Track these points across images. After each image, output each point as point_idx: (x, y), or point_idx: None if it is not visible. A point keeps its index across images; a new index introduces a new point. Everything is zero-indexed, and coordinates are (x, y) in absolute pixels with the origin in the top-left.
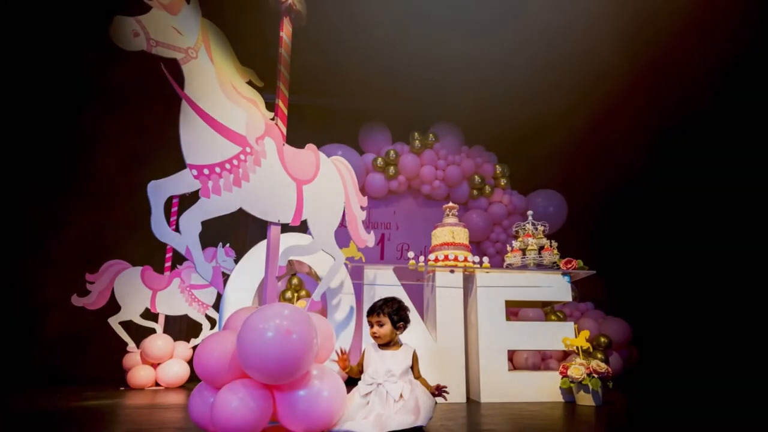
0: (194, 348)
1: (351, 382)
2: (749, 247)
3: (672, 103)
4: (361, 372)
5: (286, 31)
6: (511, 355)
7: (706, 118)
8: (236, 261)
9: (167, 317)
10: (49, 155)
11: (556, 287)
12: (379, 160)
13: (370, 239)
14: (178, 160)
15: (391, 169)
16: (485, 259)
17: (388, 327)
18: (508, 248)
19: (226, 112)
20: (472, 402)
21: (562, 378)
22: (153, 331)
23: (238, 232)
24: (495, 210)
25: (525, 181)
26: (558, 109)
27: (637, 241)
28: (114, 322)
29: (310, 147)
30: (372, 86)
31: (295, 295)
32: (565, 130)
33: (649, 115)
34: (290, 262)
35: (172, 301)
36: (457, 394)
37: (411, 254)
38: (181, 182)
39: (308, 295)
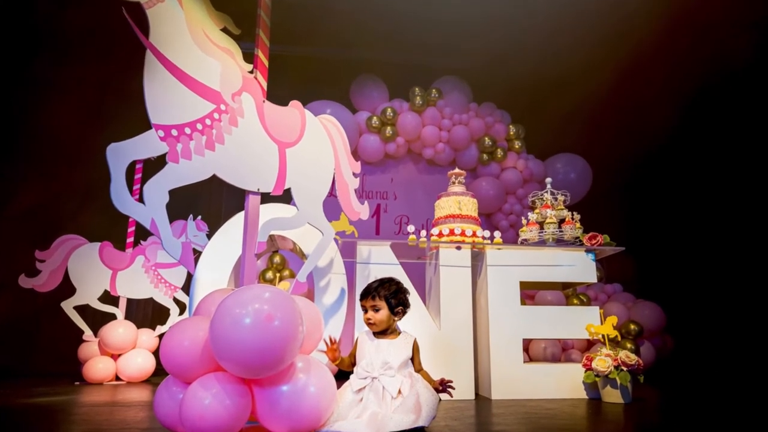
0: (160, 336)
1: (342, 375)
2: None
3: (710, 58)
4: (354, 364)
5: None
6: (527, 345)
7: (749, 75)
8: (209, 236)
9: (129, 301)
10: None
11: (579, 266)
12: (375, 119)
13: (363, 211)
14: (142, 119)
15: (388, 129)
16: (497, 233)
17: (384, 312)
18: (524, 221)
19: (197, 64)
20: (481, 399)
21: (585, 371)
22: (113, 317)
23: (211, 202)
24: (508, 177)
25: (543, 144)
26: (582, 62)
27: (673, 214)
28: (68, 306)
29: (295, 104)
30: (366, 33)
31: (277, 275)
32: (590, 86)
33: (684, 70)
34: (271, 238)
35: (135, 282)
36: (464, 390)
37: (411, 228)
38: (145, 145)
39: (292, 276)
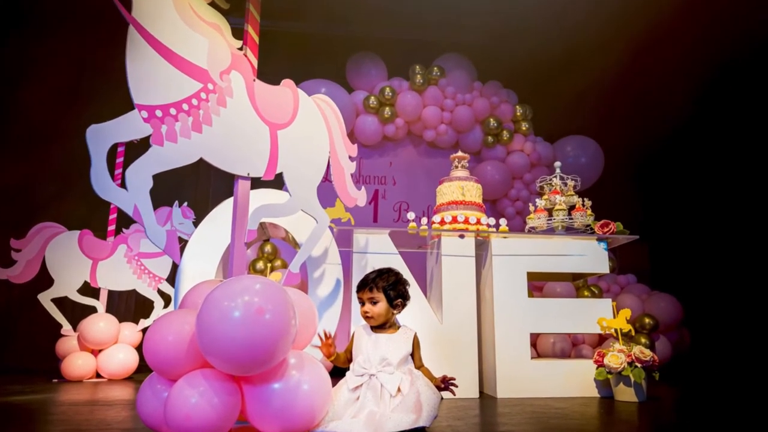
0: (144, 331)
1: (337, 372)
2: None
3: (731, 33)
4: (350, 360)
5: None
6: (535, 339)
7: None
8: (196, 224)
9: (111, 293)
10: None
11: (590, 256)
12: (372, 99)
13: (360, 197)
14: (124, 99)
15: (387, 110)
16: (502, 221)
17: (382, 305)
18: (531, 208)
19: (183, 41)
20: (486, 397)
21: (597, 368)
22: (93, 309)
23: (198, 188)
24: (515, 161)
25: (551, 126)
26: (594, 37)
27: (691, 200)
28: (45, 298)
29: (287, 83)
30: (363, 7)
31: (269, 265)
32: (602, 63)
33: (704, 46)
34: (262, 225)
35: (116, 273)
36: (467, 388)
37: (411, 215)
38: (127, 127)
39: (285, 266)
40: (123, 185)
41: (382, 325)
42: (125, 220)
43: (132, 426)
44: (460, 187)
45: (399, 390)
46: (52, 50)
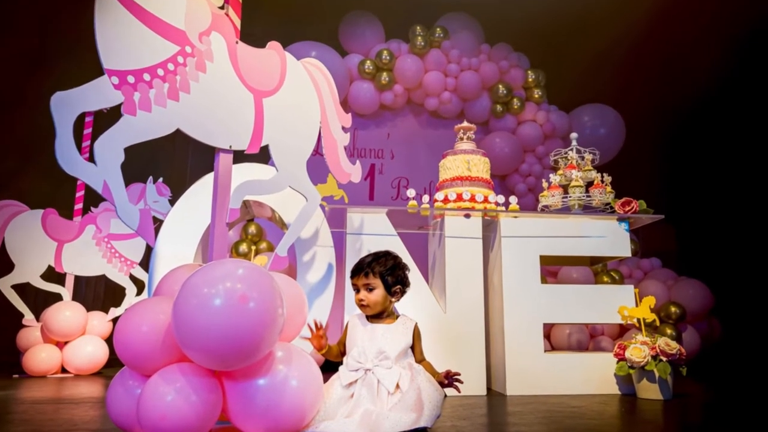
0: (115, 321)
1: (329, 367)
2: None
3: None
4: (343, 353)
5: None
6: (548, 330)
7: None
8: (172, 202)
9: (78, 279)
10: None
11: (610, 238)
12: (368, 63)
13: (355, 172)
14: (92, 63)
15: (384, 75)
16: (513, 199)
17: (379, 292)
18: (545, 184)
19: None
20: (494, 394)
21: (618, 362)
22: (59, 297)
23: (174, 162)
24: (526, 132)
25: (567, 93)
26: None
27: (721, 176)
28: (5, 285)
29: (274, 46)
30: None
31: (253, 248)
32: (623, 24)
33: (735, 6)
34: (246, 204)
35: (84, 256)
36: (474, 384)
37: (411, 193)
38: (96, 94)
39: (271, 249)
40: (91, 159)
41: (379, 315)
42: (94, 198)
43: (101, 426)
44: (465, 162)
45: (398, 386)
46: (12, 8)
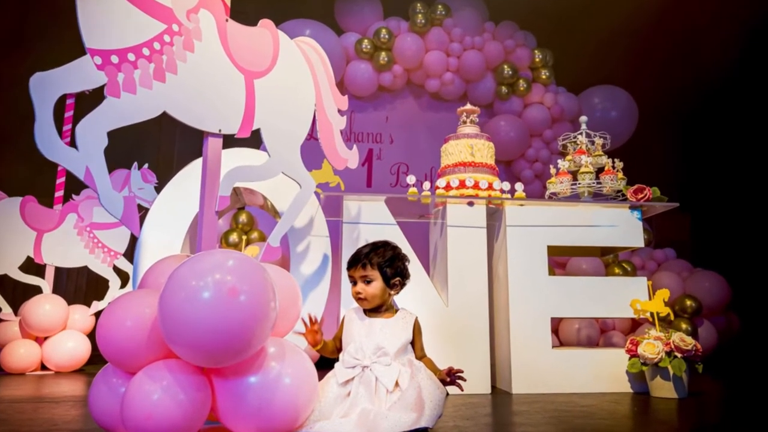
0: (97, 315)
1: (325, 364)
2: None
3: None
4: (340, 349)
5: None
6: (557, 325)
7: None
8: (158, 189)
9: (59, 271)
10: None
11: (622, 227)
12: (366, 42)
13: (352, 157)
14: (74, 42)
15: (383, 55)
16: (519, 186)
17: (377, 285)
18: (552, 170)
19: None
20: (499, 393)
21: (630, 358)
22: (38, 290)
23: (160, 147)
24: (533, 115)
25: (576, 74)
26: None
27: (739, 162)
28: None
29: (266, 24)
30: None
31: (244, 238)
32: (635, 2)
33: None
34: (236, 191)
35: (65, 247)
36: (478, 382)
37: (411, 179)
38: (78, 75)
39: (263, 239)
40: (72, 144)
41: (377, 308)
42: (75, 185)
43: (83, 426)
44: (468, 146)
45: (397, 384)
46: None
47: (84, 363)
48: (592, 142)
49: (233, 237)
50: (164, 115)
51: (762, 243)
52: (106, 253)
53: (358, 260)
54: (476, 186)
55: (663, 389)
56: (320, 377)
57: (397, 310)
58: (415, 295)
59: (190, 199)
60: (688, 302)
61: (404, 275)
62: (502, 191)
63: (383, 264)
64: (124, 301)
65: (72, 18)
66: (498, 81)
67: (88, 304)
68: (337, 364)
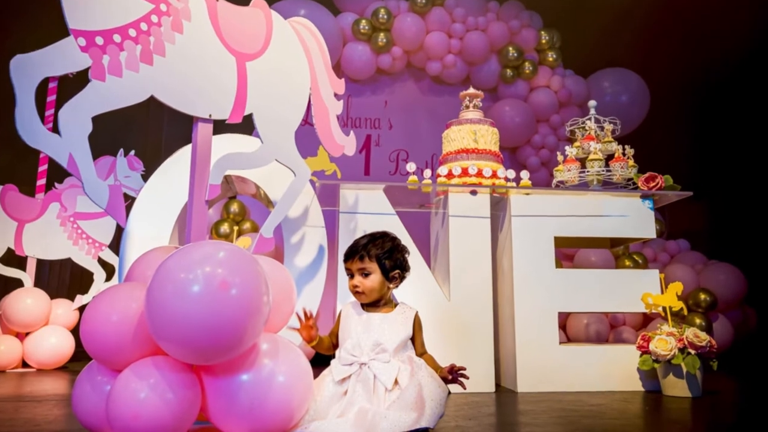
0: (81, 310)
1: (320, 361)
2: None
3: None
4: (336, 346)
5: None
6: (564, 320)
7: None
8: (145, 177)
9: (41, 263)
10: None
11: (633, 217)
12: (363, 23)
13: (348, 144)
14: (57, 23)
15: (382, 36)
16: (524, 173)
17: (376, 278)
18: (560, 158)
19: None
20: (503, 391)
21: (641, 355)
22: (19, 283)
23: (148, 133)
24: (539, 99)
25: (585, 56)
26: None
27: (757, 148)
28: None
29: (259, 4)
30: None
31: (235, 228)
32: None
33: None
34: (227, 179)
35: (47, 238)
36: (481, 380)
37: (411, 167)
38: (61, 57)
39: (255, 230)
40: (55, 130)
41: (376, 303)
42: (58, 173)
43: (66, 427)
44: (471, 132)
45: (396, 382)
46: None
47: (67, 360)
48: (602, 128)
49: (224, 227)
50: (152, 99)
51: None
52: (90, 244)
53: (355, 252)
54: (480, 174)
55: (676, 388)
56: (315, 375)
57: (396, 305)
58: (415, 289)
59: (178, 188)
60: (703, 296)
61: (404, 268)
62: (507, 179)
63: (382, 256)
64: (109, 295)
65: None
66: (502, 63)
67: (72, 298)
68: (333, 361)
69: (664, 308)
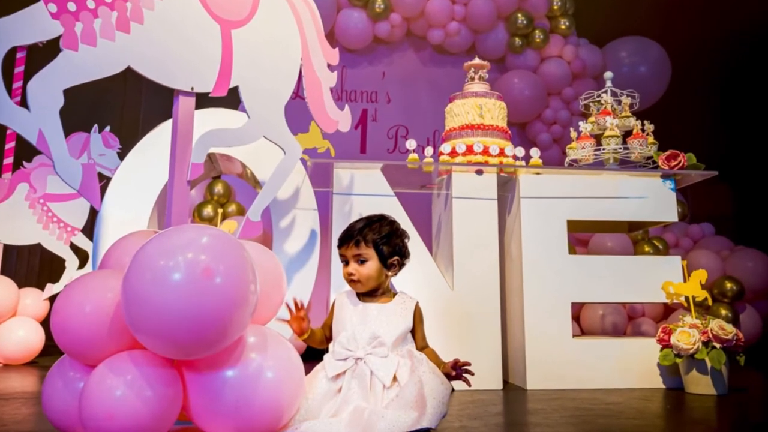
0: (52, 299)
1: (313, 355)
2: None
3: None
4: (330, 339)
5: None
6: (578, 311)
7: None
8: (121, 156)
9: (7, 249)
10: None
11: (653, 199)
12: None
13: (343, 119)
14: None
15: (379, 2)
16: (534, 151)
17: (373, 265)
18: (573, 134)
19: None
20: (512, 389)
21: (661, 349)
22: None
23: (124, 107)
24: (550, 70)
25: (600, 24)
26: None
27: None
28: None
29: None
30: None
31: (220, 211)
32: None
33: None
34: (211, 158)
35: (15, 221)
36: (487, 376)
37: (411, 144)
38: (30, 25)
39: (242, 213)
40: (24, 103)
41: (373, 292)
42: (27, 151)
43: (35, 427)
44: (477, 107)
45: (395, 379)
46: None
47: (36, 354)
48: (619, 102)
49: (208, 210)
50: (129, 70)
51: None
52: (62, 228)
53: (350, 237)
54: (486, 152)
55: (699, 384)
56: (307, 371)
57: (395, 294)
58: (415, 277)
59: (158, 167)
60: (729, 285)
61: (403, 254)
62: (516, 158)
63: (379, 241)
64: (82, 283)
65: None
66: (510, 32)
67: (42, 287)
68: (326, 356)
69: (686, 298)
